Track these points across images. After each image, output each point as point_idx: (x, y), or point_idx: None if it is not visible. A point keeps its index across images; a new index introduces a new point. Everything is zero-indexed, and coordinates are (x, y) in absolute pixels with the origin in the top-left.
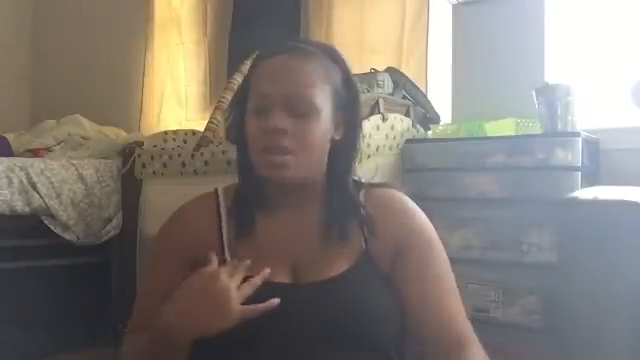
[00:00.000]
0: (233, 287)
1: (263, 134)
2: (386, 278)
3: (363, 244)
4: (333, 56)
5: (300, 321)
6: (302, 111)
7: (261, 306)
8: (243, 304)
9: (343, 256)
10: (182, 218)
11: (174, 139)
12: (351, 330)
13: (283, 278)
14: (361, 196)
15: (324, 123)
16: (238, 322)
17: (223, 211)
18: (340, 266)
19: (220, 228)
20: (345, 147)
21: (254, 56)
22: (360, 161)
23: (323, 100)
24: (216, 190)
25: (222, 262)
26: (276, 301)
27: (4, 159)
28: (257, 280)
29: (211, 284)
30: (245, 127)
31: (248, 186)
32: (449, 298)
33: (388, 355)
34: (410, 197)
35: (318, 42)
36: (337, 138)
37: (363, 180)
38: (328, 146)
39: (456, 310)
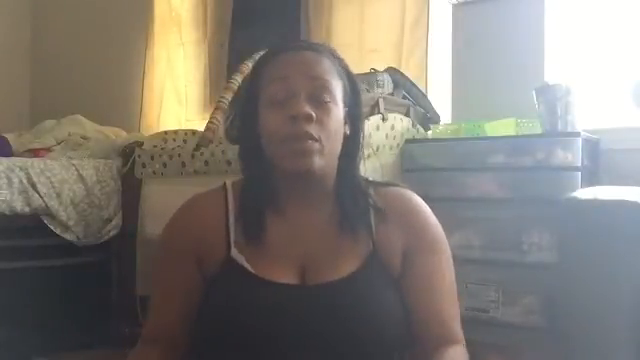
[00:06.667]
0: None
1: (288, 122)
2: (395, 278)
3: (371, 245)
4: (335, 55)
5: (307, 322)
6: (325, 100)
7: None
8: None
9: (352, 256)
10: (189, 215)
11: (174, 139)
12: (358, 332)
13: (291, 279)
14: (371, 194)
15: (340, 116)
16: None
17: (231, 207)
18: (349, 266)
19: (227, 226)
20: (353, 144)
21: (261, 54)
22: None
23: (338, 93)
24: (224, 185)
25: (228, 261)
26: None
27: (4, 159)
28: None
29: None
30: (259, 121)
31: (258, 185)
32: (449, 302)
33: (391, 356)
34: None
35: (318, 42)
36: (347, 133)
37: (370, 178)
38: (341, 140)
39: (454, 315)
